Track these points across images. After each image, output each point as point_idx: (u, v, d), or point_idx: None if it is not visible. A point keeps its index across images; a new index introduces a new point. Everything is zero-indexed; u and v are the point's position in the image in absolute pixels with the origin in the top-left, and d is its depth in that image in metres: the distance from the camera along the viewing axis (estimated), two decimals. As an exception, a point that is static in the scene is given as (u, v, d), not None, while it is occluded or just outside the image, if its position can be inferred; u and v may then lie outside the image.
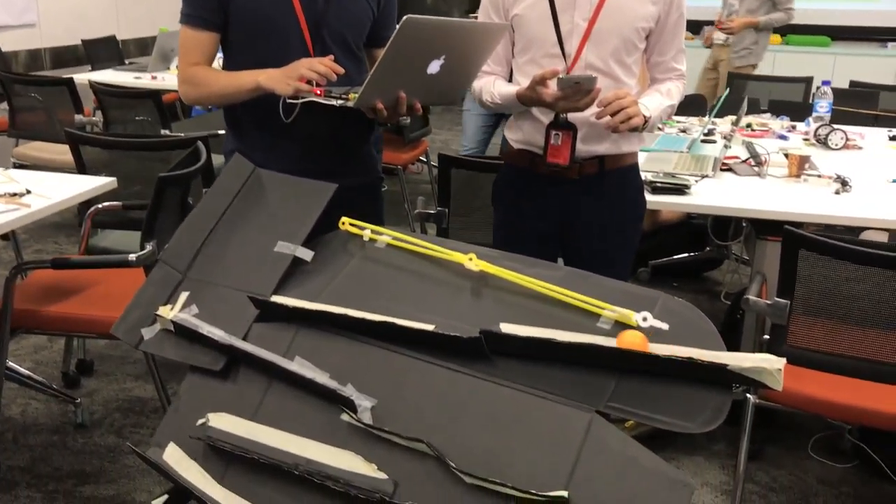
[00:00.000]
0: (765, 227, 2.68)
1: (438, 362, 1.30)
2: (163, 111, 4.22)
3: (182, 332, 1.45)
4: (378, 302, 1.41)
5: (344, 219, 1.55)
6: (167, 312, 1.47)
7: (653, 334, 1.24)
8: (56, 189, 2.51)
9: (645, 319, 1.24)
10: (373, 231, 1.53)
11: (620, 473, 1.12)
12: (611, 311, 1.28)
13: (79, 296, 2.54)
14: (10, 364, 2.89)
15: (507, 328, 1.30)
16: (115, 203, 2.93)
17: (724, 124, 3.89)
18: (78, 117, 4.40)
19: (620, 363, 1.20)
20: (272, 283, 1.48)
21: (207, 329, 1.43)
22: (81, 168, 3.03)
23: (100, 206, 2.93)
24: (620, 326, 1.27)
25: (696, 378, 1.17)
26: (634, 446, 1.13)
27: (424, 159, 5.59)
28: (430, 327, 1.33)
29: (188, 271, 1.55)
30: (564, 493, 1.11)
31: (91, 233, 3.08)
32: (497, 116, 4.52)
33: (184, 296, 1.51)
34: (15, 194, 2.42)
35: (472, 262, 1.40)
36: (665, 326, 1.23)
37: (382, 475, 1.23)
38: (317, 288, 1.47)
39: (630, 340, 1.23)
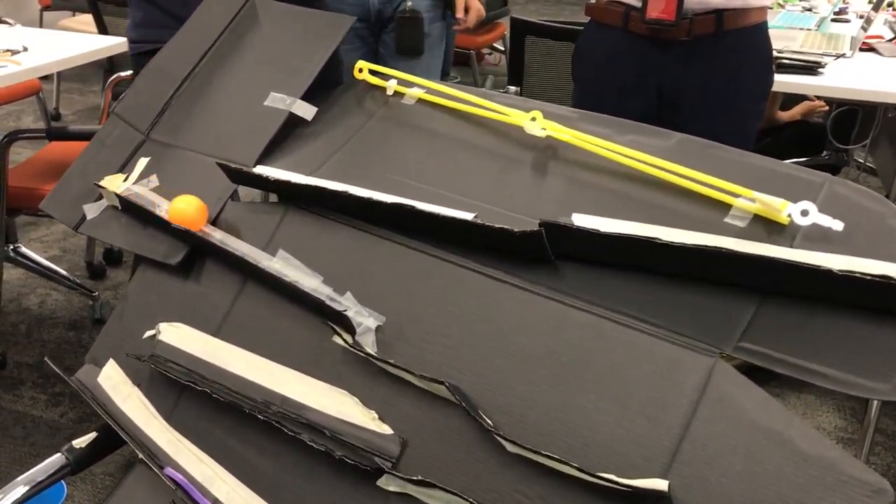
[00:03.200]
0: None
1: (478, 268, 0.87)
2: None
3: (132, 211, 1.06)
4: (399, 179, 0.98)
5: (361, 63, 1.11)
6: (116, 184, 1.08)
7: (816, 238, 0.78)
8: (60, 49, 2.14)
9: (805, 213, 0.78)
10: (399, 81, 1.09)
11: (758, 457, 0.68)
12: (747, 200, 0.82)
13: (85, 174, 2.20)
14: (26, 251, 2.60)
15: (581, 220, 0.86)
16: (137, 72, 2.55)
17: (858, 3, 3.24)
18: (123, -13, 4.02)
19: (764, 281, 0.75)
20: (257, 148, 1.06)
21: (166, 208, 1.04)
22: (102, 30, 2.66)
23: (122, 74, 2.56)
24: (762, 223, 0.82)
25: (893, 310, 0.71)
26: (783, 415, 0.69)
27: (502, 47, 4.97)
28: (468, 216, 0.90)
29: (151, 131, 1.14)
30: (663, 484, 0.69)
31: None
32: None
33: (142, 163, 1.11)
34: (8, 51, 2.06)
35: (537, 123, 0.95)
36: (838, 225, 0.77)
37: (385, 429, 0.83)
38: (318, 157, 1.05)
39: (182, 210, 1.00)
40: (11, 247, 2.51)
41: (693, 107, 1.60)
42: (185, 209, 1.00)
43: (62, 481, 1.41)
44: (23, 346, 2.39)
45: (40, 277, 2.70)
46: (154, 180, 1.08)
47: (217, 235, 1.00)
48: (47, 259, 2.69)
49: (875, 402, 1.83)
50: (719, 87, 1.58)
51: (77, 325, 2.49)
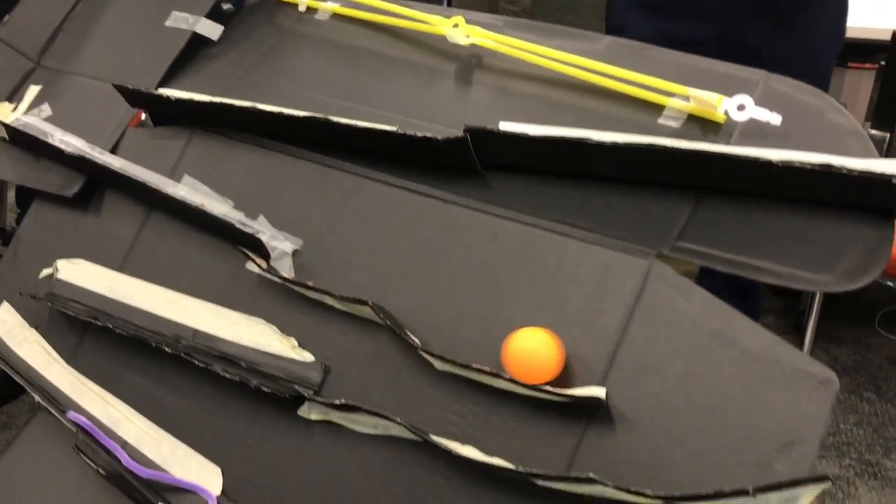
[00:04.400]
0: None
1: (402, 183, 0.82)
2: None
3: (23, 143, 0.97)
4: (313, 95, 0.92)
5: (269, -23, 1.03)
6: (3, 114, 0.98)
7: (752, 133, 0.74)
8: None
9: (742, 108, 0.74)
10: (312, -5, 1.02)
11: (700, 358, 0.65)
12: (682, 99, 0.78)
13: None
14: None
15: (508, 128, 0.80)
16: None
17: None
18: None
19: (701, 178, 0.71)
20: (158, 71, 0.98)
21: (59, 137, 0.95)
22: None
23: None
24: (697, 123, 0.78)
25: (833, 201, 0.68)
26: (725, 314, 0.66)
27: None
28: (389, 128, 0.84)
29: (41, 57, 1.05)
30: (601, 392, 0.65)
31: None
32: None
33: (32, 91, 1.01)
34: None
35: (460, 30, 0.89)
36: (776, 119, 0.73)
37: (306, 356, 0.77)
38: (225, 77, 0.97)
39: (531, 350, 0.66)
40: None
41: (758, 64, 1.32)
42: (535, 349, 0.66)
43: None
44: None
45: (-52, 246, 2.55)
46: (46, 109, 0.99)
47: (117, 164, 0.91)
48: (-46, 225, 2.53)
49: (809, 333, 1.84)
50: (789, 42, 1.28)
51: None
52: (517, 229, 0.75)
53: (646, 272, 0.69)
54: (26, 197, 1.65)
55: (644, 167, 0.72)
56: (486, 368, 0.67)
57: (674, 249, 0.70)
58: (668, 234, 0.71)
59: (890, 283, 2.22)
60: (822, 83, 1.31)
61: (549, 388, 0.66)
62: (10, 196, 2.71)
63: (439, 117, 0.86)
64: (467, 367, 0.68)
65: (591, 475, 0.60)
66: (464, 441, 0.69)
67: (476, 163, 0.78)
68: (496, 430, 0.68)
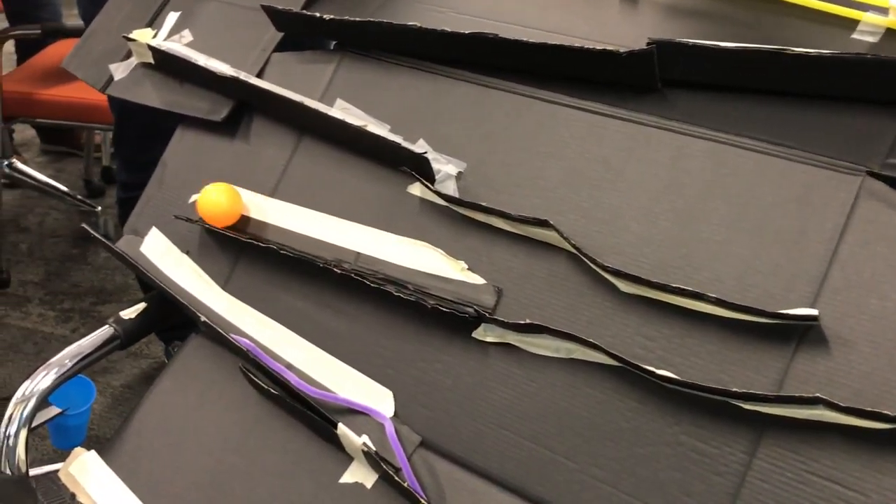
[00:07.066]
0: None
1: (573, 102, 0.78)
2: None
3: (169, 66, 0.96)
4: (465, 18, 0.88)
5: None
6: (147, 38, 0.97)
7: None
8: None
9: (953, 18, 0.69)
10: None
11: (922, 280, 0.61)
12: (878, 13, 0.73)
13: (84, 78, 2.06)
14: (25, 168, 2.47)
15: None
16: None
17: None
18: None
19: (912, 91, 0.67)
20: (302, -6, 0.96)
21: (205, 60, 0.93)
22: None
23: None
24: (894, 37, 0.73)
25: None
26: (951, 232, 0.62)
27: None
28: (565, 44, 0.80)
29: (179, -17, 1.03)
30: (813, 312, 0.61)
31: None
32: None
33: (172, 18, 1.00)
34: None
35: (625, -54, 0.84)
36: None
37: (477, 279, 0.75)
38: (367, 2, 0.94)
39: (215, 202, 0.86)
40: (6, 162, 2.37)
41: None
42: (216, 200, 0.86)
43: (92, 382, 1.33)
44: (25, 264, 2.29)
45: (37, 198, 2.59)
46: (187, 35, 0.98)
47: (265, 85, 0.89)
48: (40, 182, 2.57)
49: None
50: None
51: (80, 243, 2.39)
52: (706, 146, 0.71)
53: (857, 189, 0.65)
54: (125, 138, 1.64)
55: (847, 81, 0.68)
56: (688, 289, 0.64)
57: (885, 167, 0.66)
58: (877, 150, 0.66)
59: None
60: None
61: (757, 308, 0.62)
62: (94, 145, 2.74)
63: (606, 36, 0.82)
64: (663, 287, 0.65)
65: (819, 395, 0.57)
66: (657, 365, 0.66)
67: (657, 79, 0.74)
68: (692, 354, 0.65)
